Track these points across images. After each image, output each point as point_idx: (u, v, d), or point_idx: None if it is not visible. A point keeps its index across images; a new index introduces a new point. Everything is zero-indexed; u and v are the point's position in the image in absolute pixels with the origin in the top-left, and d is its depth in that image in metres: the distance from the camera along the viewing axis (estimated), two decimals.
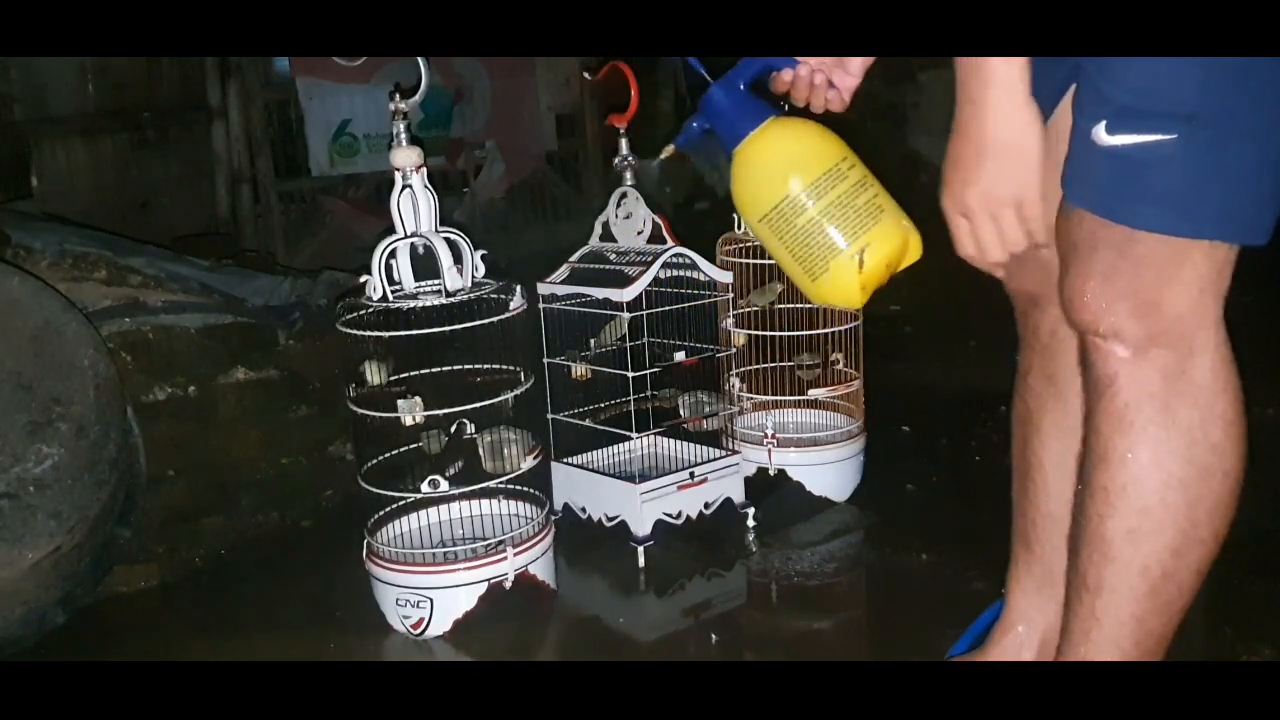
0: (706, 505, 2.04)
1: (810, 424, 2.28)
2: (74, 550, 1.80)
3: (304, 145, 3.88)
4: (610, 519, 2.01)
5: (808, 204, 1.21)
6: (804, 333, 2.20)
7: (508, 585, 1.74)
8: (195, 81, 3.64)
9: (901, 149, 5.05)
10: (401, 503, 1.83)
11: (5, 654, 1.73)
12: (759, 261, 2.15)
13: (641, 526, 1.95)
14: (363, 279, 1.75)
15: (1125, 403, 1.04)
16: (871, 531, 2.09)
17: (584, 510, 2.06)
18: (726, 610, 1.87)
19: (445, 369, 1.85)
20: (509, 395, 1.79)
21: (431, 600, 1.72)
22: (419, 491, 1.76)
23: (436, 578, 1.72)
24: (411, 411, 1.74)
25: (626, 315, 1.93)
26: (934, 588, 1.82)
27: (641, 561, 1.95)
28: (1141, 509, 1.04)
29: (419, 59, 1.73)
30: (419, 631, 1.74)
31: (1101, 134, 0.99)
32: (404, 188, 1.73)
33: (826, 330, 2.18)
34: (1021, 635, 1.34)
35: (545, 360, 2.04)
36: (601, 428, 2.11)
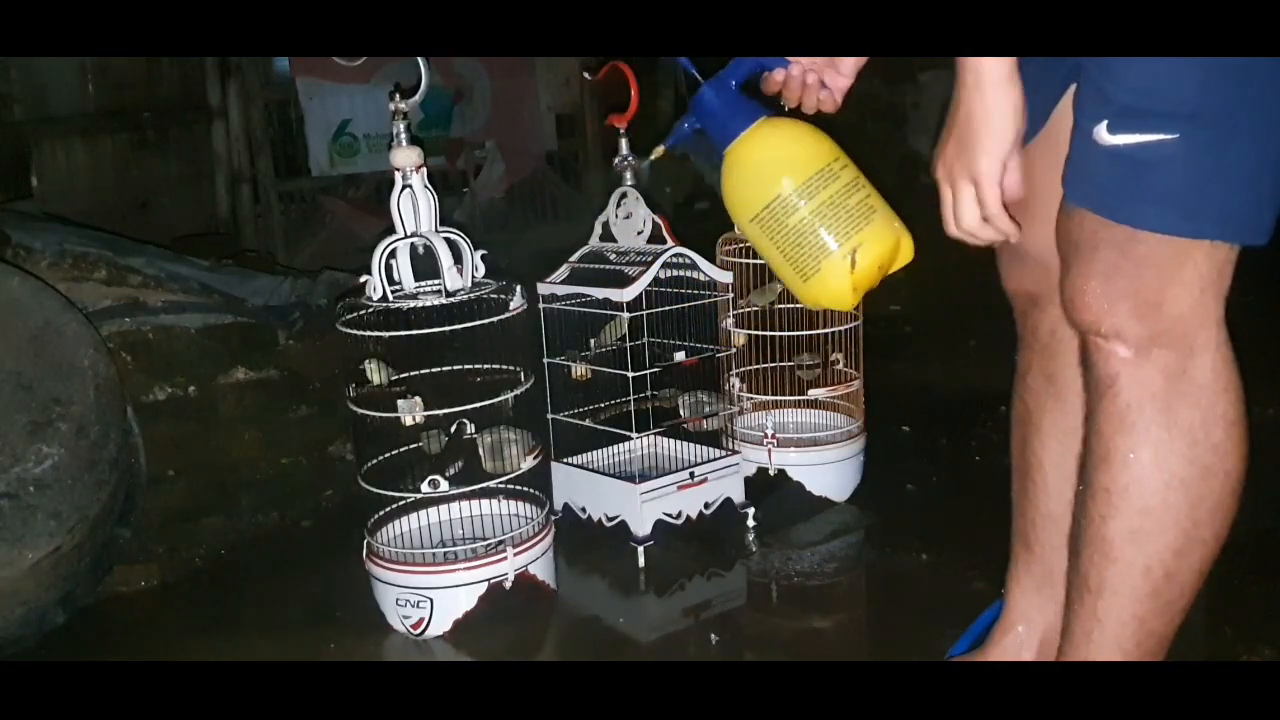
0: (706, 505, 2.04)
1: (810, 424, 2.28)
2: (74, 550, 1.80)
3: (304, 145, 3.88)
4: (610, 519, 2.01)
5: (799, 204, 1.21)
6: (804, 333, 2.20)
7: (508, 585, 1.74)
8: (195, 81, 3.64)
9: (901, 149, 5.05)
10: (401, 503, 1.83)
11: (5, 654, 1.73)
12: (759, 261, 2.15)
13: (641, 526, 1.95)
14: (363, 279, 1.75)
15: (1127, 403, 1.04)
16: (871, 531, 2.09)
17: (584, 510, 2.06)
18: (726, 610, 1.87)
19: (445, 369, 1.85)
20: (509, 395, 1.79)
21: (431, 600, 1.72)
22: (419, 491, 1.76)
23: (436, 578, 1.72)
24: (411, 411, 1.74)
25: (626, 315, 1.93)
26: (934, 588, 1.82)
27: (641, 561, 1.95)
28: (1143, 509, 1.04)
29: (419, 59, 1.73)
30: (419, 631, 1.74)
31: (1103, 133, 0.99)
32: (404, 188, 1.73)
33: (826, 330, 2.18)
34: (1021, 635, 1.34)
35: (545, 360, 2.04)
36: (601, 428, 2.11)
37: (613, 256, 2.04)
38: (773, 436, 2.18)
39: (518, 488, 1.87)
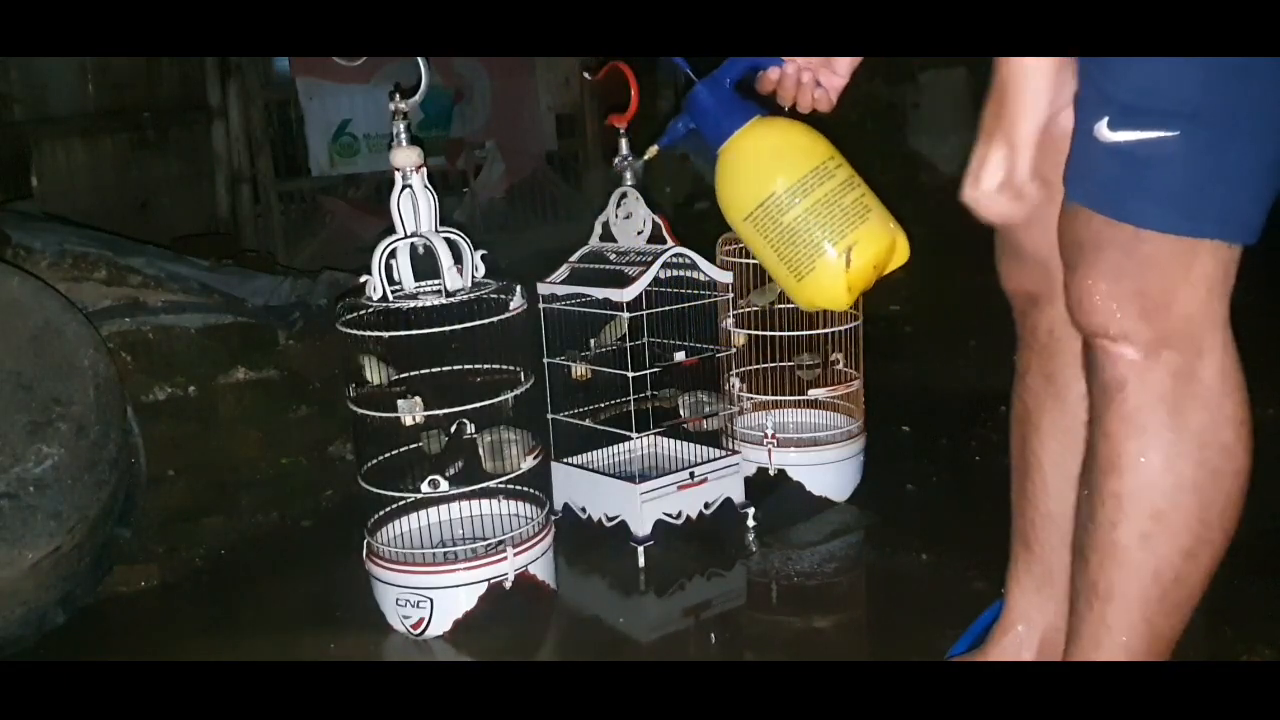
0: (706, 505, 2.04)
1: (810, 424, 2.28)
2: (74, 550, 1.80)
3: (304, 145, 3.87)
4: (610, 519, 2.01)
5: (793, 202, 1.20)
6: (804, 333, 2.20)
7: (508, 585, 1.74)
8: (195, 81, 3.64)
9: (901, 149, 5.05)
10: (401, 503, 1.83)
11: (5, 654, 1.73)
12: (759, 262, 2.15)
13: (641, 526, 1.95)
14: (363, 279, 1.75)
15: (1136, 406, 1.03)
16: (871, 531, 2.09)
17: (584, 510, 2.06)
18: (726, 610, 1.87)
19: (445, 369, 1.85)
20: (509, 395, 1.79)
21: (431, 600, 1.72)
22: (419, 491, 1.76)
23: (436, 578, 1.72)
24: (411, 411, 1.74)
25: (626, 315, 1.93)
26: (934, 588, 1.82)
27: (641, 561, 1.95)
28: (1154, 513, 1.04)
29: (419, 59, 1.73)
30: (419, 631, 1.74)
31: (1103, 130, 0.99)
32: (404, 188, 1.73)
33: (826, 330, 2.18)
34: (1021, 635, 1.34)
35: (545, 360, 2.04)
36: (601, 428, 2.11)
37: (613, 256, 2.04)
38: (773, 436, 2.18)
39: (518, 488, 1.87)
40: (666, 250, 1.97)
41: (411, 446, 1.84)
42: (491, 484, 1.81)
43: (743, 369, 2.25)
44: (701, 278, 2.05)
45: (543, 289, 2.03)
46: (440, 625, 1.73)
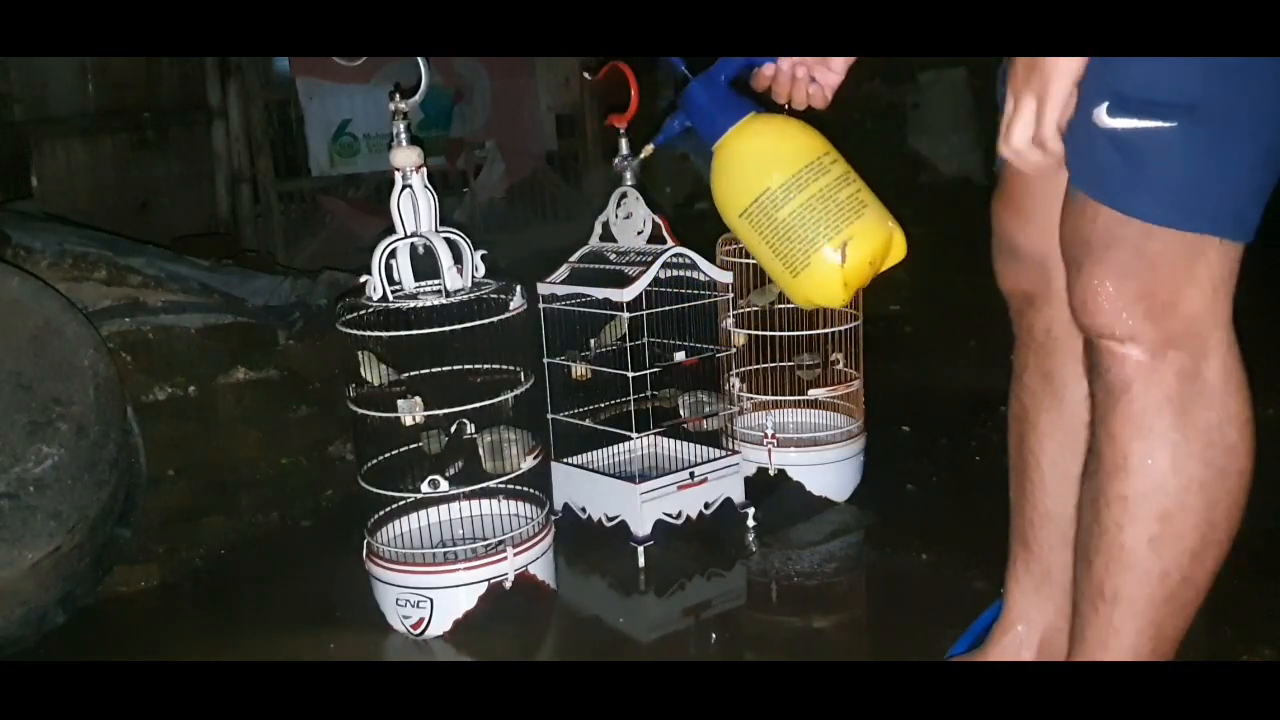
0: (706, 505, 2.04)
1: (810, 424, 2.28)
2: (74, 550, 1.80)
3: (304, 145, 3.87)
4: (610, 519, 2.01)
5: (788, 197, 1.19)
6: (804, 333, 2.20)
7: (508, 585, 1.74)
8: (195, 81, 3.64)
9: (901, 149, 5.05)
10: (401, 503, 1.83)
11: (5, 654, 1.73)
12: (755, 259, 2.15)
13: (641, 526, 1.95)
14: (363, 279, 1.75)
15: (1142, 408, 1.02)
16: (871, 531, 2.09)
17: (584, 510, 2.06)
18: (726, 610, 1.87)
19: (445, 369, 1.85)
20: (509, 395, 1.79)
21: (431, 600, 1.72)
22: (419, 491, 1.76)
23: (436, 578, 1.72)
24: (411, 411, 1.74)
25: (626, 315, 1.93)
26: (934, 588, 1.82)
27: (641, 561, 1.95)
28: (1162, 515, 1.03)
29: (419, 59, 1.73)
30: (419, 631, 1.74)
31: (1103, 116, 0.98)
32: (404, 188, 1.73)
33: (826, 330, 2.18)
34: (1021, 634, 1.34)
35: (545, 360, 2.04)
36: (601, 428, 2.11)
37: (613, 256, 2.04)
38: (773, 436, 2.18)
39: (518, 488, 1.87)
40: (666, 250, 1.98)
41: (411, 446, 1.84)
42: (491, 484, 1.81)
43: (743, 369, 2.25)
44: (701, 278, 2.05)
45: (543, 289, 2.03)
46: (440, 625, 1.73)
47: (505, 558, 1.74)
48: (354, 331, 1.73)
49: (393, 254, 1.74)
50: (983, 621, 1.44)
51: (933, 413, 2.63)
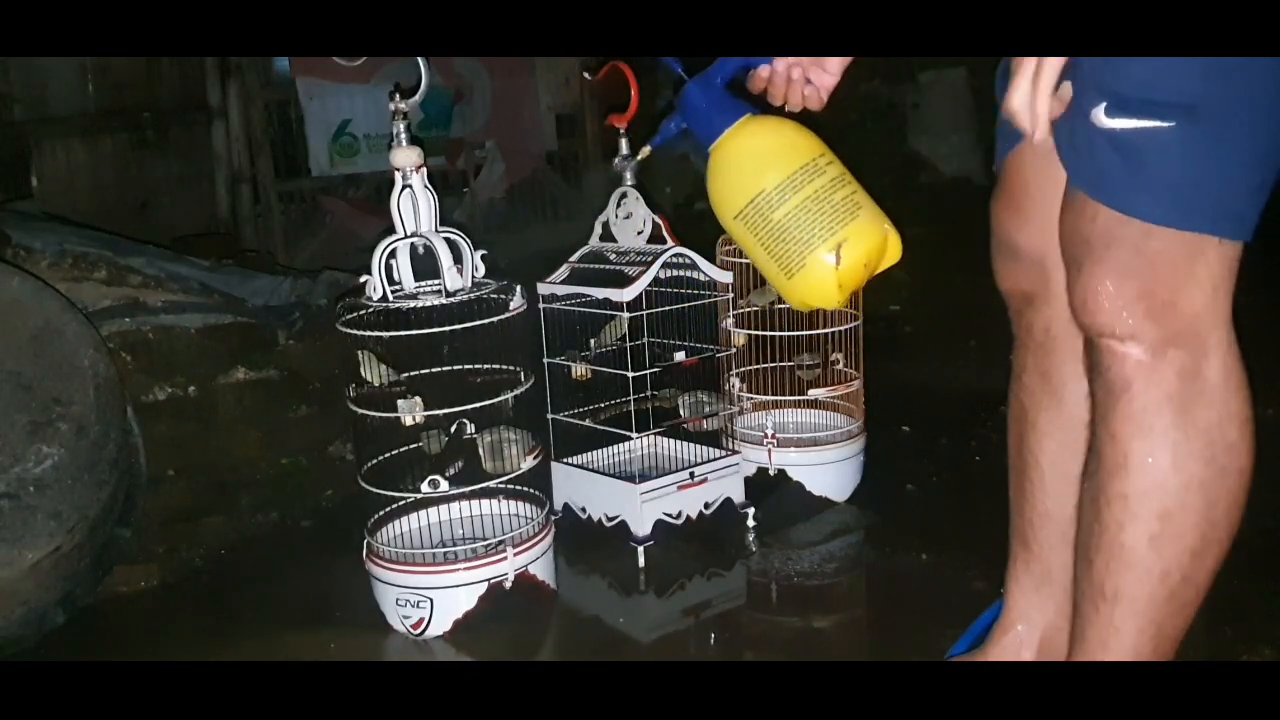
0: (706, 505, 2.04)
1: (810, 424, 2.28)
2: (74, 550, 1.80)
3: (304, 145, 3.87)
4: (610, 519, 2.01)
5: (783, 199, 1.20)
6: (804, 333, 2.20)
7: (508, 585, 1.74)
8: (195, 81, 3.64)
9: (901, 149, 5.05)
10: (401, 503, 1.83)
11: (5, 654, 1.73)
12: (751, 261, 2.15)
13: (641, 526, 1.95)
14: (363, 279, 1.75)
15: (1143, 406, 1.03)
16: (871, 531, 2.09)
17: (584, 510, 2.06)
18: (726, 610, 1.87)
19: (445, 369, 1.85)
20: (509, 395, 1.79)
21: (431, 600, 1.72)
22: (419, 491, 1.76)
23: (436, 578, 1.72)
24: (411, 411, 1.74)
25: (626, 315, 1.93)
26: (934, 588, 1.82)
27: (641, 561, 1.95)
28: (1162, 514, 1.03)
29: (419, 59, 1.73)
30: (419, 631, 1.74)
31: (1101, 116, 0.98)
32: (404, 188, 1.73)
33: (826, 330, 2.18)
34: (1021, 634, 1.34)
35: (545, 360, 2.04)
36: (601, 428, 2.11)
37: (613, 256, 2.04)
38: (773, 436, 2.18)
39: (518, 488, 1.87)
40: (666, 250, 1.98)
41: (411, 446, 1.84)
42: (491, 484, 1.81)
43: (743, 369, 2.25)
44: (701, 278, 2.05)
45: (543, 289, 2.03)
46: (440, 625, 1.73)
47: (505, 558, 1.74)
48: (354, 331, 1.73)
49: (393, 254, 1.74)
50: (983, 621, 1.44)
51: (933, 413, 2.63)
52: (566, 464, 2.09)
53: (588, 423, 2.11)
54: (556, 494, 2.07)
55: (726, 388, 2.19)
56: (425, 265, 1.76)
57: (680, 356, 2.06)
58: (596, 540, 2.01)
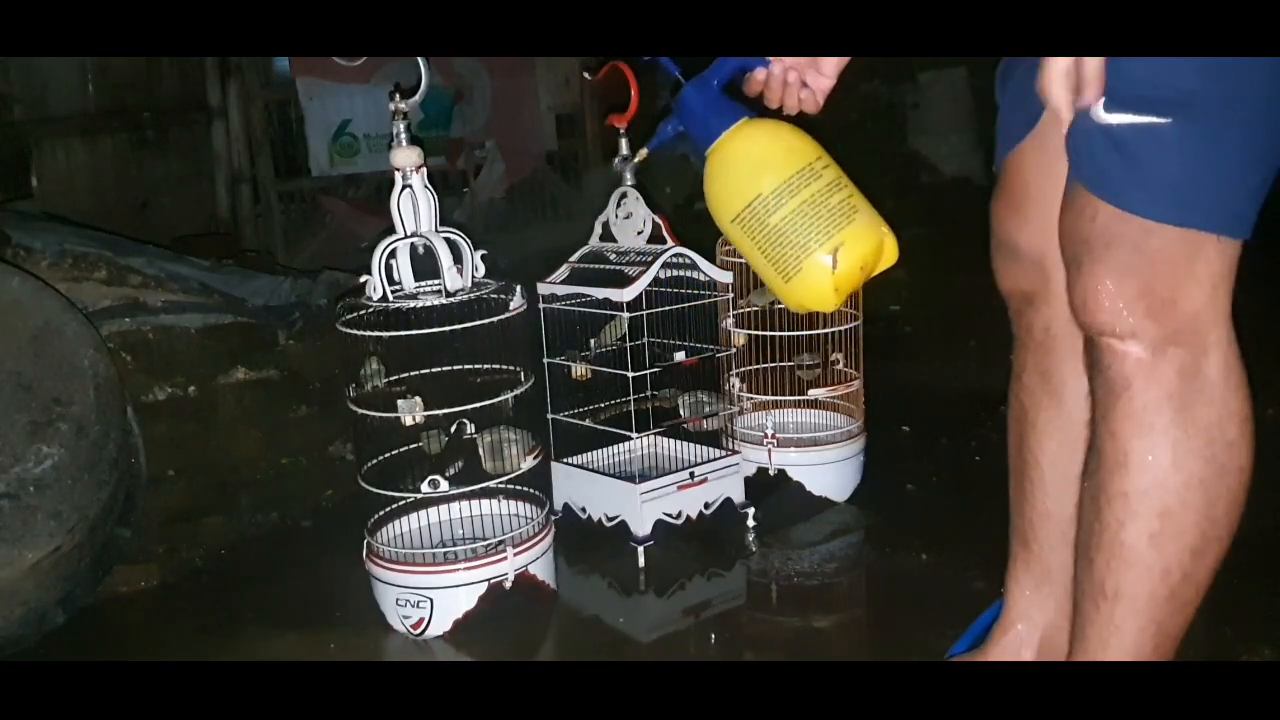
0: (706, 505, 2.04)
1: (810, 424, 2.28)
2: (74, 550, 1.80)
3: (304, 145, 3.88)
4: (610, 519, 2.01)
5: (780, 203, 1.20)
6: (804, 333, 2.20)
7: (508, 585, 1.74)
8: (195, 81, 3.64)
9: (901, 149, 5.05)
10: (401, 503, 1.83)
11: (5, 654, 1.73)
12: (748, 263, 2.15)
13: (641, 526, 1.95)
14: (363, 279, 1.75)
15: (1144, 405, 1.03)
16: (871, 531, 2.09)
17: (584, 510, 2.06)
18: (726, 610, 1.87)
19: (445, 369, 1.85)
20: (509, 395, 1.79)
21: (431, 600, 1.72)
22: (419, 491, 1.76)
23: (436, 578, 1.72)
24: (411, 411, 1.74)
25: (626, 315, 1.93)
26: (934, 588, 1.82)
27: (641, 561, 1.95)
28: (1163, 512, 1.03)
29: (419, 59, 1.73)
30: (419, 631, 1.74)
31: (1099, 111, 0.99)
32: (404, 188, 1.73)
33: (826, 330, 2.18)
34: (1021, 633, 1.34)
35: (545, 360, 2.04)
36: (601, 428, 2.11)
37: (613, 256, 2.04)
38: (773, 436, 2.18)
39: (518, 488, 1.87)
40: (666, 250, 1.98)
41: (411, 446, 1.84)
42: (491, 484, 1.81)
43: (743, 369, 2.25)
44: (701, 278, 2.05)
45: (543, 289, 2.03)
46: (440, 625, 1.73)
47: (505, 558, 1.74)
48: (354, 331, 1.73)
49: (393, 254, 1.74)
50: (983, 621, 1.44)
51: (933, 413, 2.63)
52: (566, 464, 2.09)
53: (588, 423, 2.11)
54: (556, 494, 2.07)
55: (726, 388, 2.19)
56: (425, 265, 1.76)
57: (680, 356, 2.06)
58: (596, 540, 2.01)
